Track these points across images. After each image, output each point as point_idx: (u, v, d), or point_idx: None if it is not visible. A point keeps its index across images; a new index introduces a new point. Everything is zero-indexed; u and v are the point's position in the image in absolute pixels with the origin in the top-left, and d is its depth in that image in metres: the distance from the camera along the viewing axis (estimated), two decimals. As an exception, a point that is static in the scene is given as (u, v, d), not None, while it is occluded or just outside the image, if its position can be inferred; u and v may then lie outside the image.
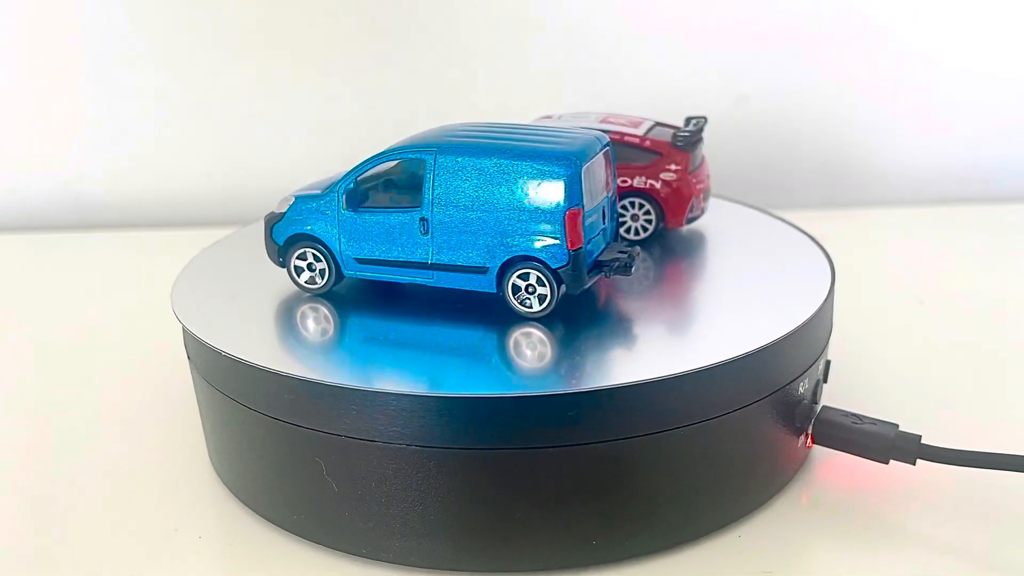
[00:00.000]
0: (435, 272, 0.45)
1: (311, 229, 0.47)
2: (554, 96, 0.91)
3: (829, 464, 0.48)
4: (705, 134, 0.56)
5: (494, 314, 0.45)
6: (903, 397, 0.54)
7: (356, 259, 0.47)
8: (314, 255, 0.47)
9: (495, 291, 0.44)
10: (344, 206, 0.46)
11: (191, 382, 0.49)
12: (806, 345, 0.45)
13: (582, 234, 0.43)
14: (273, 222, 0.48)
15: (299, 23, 0.90)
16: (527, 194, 0.43)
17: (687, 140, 0.53)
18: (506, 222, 0.43)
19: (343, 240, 0.46)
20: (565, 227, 0.43)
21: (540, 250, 0.43)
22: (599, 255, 0.45)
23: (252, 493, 0.45)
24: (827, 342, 0.48)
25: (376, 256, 0.46)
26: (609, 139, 0.52)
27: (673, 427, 0.40)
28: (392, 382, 0.39)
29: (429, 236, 0.45)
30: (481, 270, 0.44)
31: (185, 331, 0.47)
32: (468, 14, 0.89)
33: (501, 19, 0.90)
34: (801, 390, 0.45)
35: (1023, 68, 0.92)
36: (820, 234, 0.55)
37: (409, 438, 0.39)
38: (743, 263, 0.53)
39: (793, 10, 0.89)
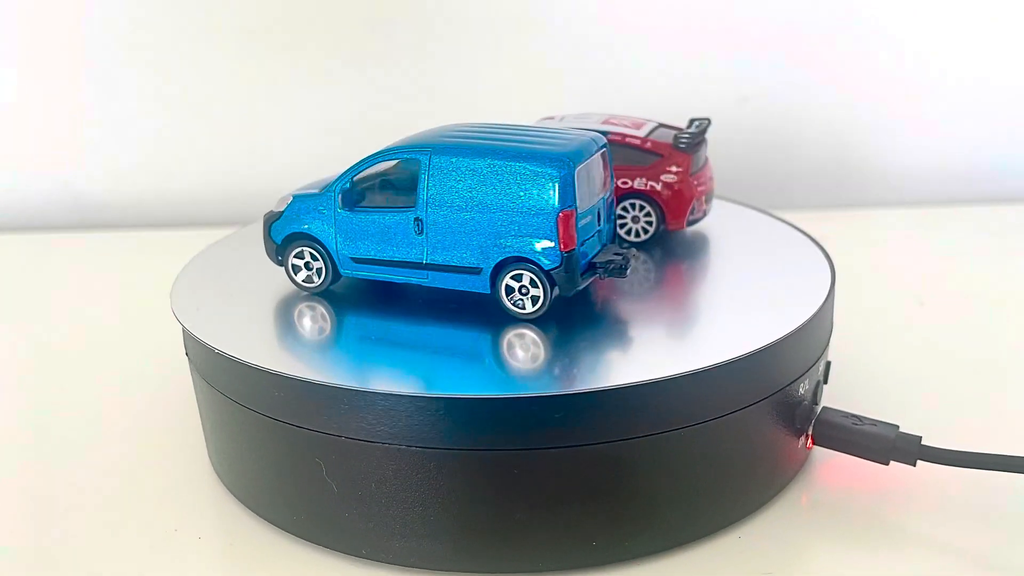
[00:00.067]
0: (430, 272, 0.45)
1: (308, 228, 0.47)
2: (555, 97, 0.91)
3: (829, 465, 0.48)
4: (707, 135, 0.56)
5: (494, 314, 0.45)
6: (903, 398, 0.54)
7: (352, 258, 0.47)
8: (311, 254, 0.48)
9: (489, 292, 0.44)
10: (340, 205, 0.46)
11: (191, 382, 0.49)
12: (806, 346, 0.45)
13: (575, 236, 0.43)
14: (271, 221, 0.49)
15: (299, 24, 0.90)
16: (520, 195, 0.43)
17: (689, 142, 0.53)
18: (499, 223, 0.43)
19: (339, 239, 0.47)
20: (558, 228, 0.43)
21: (533, 251, 0.43)
22: (594, 257, 0.45)
23: (252, 494, 0.45)
24: (827, 343, 0.48)
25: (372, 256, 0.46)
26: (610, 140, 0.53)
27: (673, 428, 0.40)
28: (392, 383, 0.39)
29: (424, 236, 0.45)
30: (475, 271, 0.44)
31: (185, 331, 0.47)
32: (469, 15, 0.89)
33: (502, 20, 0.90)
34: (801, 391, 0.45)
35: (1023, 69, 0.92)
36: (820, 235, 0.55)
37: (409, 439, 0.39)
38: (743, 264, 0.53)
39: (794, 11, 0.89)
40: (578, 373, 0.40)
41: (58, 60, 0.91)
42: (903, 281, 0.73)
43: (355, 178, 0.47)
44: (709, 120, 0.55)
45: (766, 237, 0.56)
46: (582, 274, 0.44)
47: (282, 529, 0.44)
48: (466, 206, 0.44)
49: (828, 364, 0.49)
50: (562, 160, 0.43)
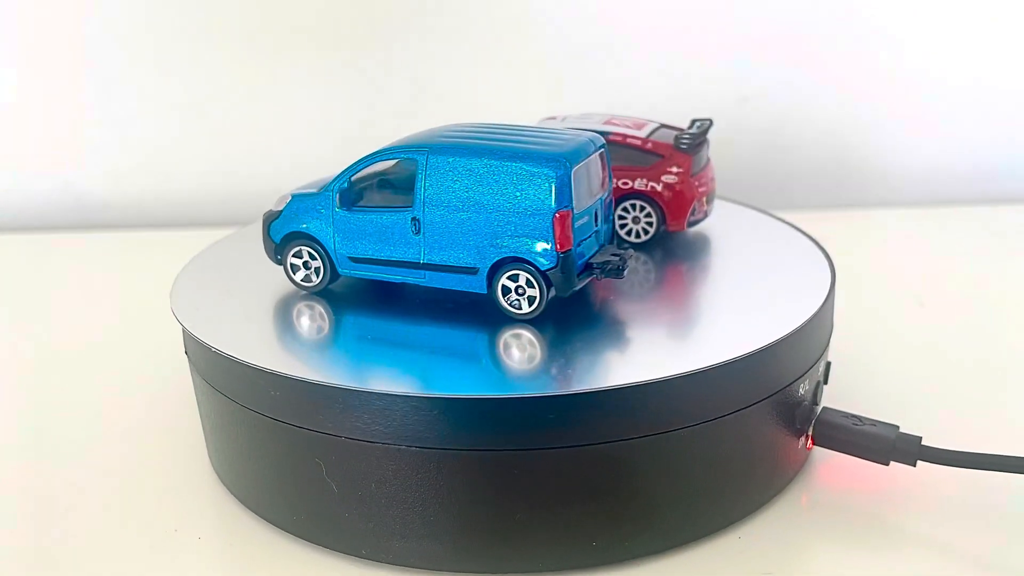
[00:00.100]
0: (427, 272, 0.45)
1: (306, 227, 0.47)
2: (555, 98, 0.91)
3: (829, 465, 0.48)
4: (709, 136, 0.56)
5: (494, 314, 0.45)
6: (903, 398, 0.54)
7: (350, 258, 0.47)
8: (309, 253, 0.48)
9: (485, 292, 0.44)
10: (338, 205, 0.47)
11: (191, 382, 0.49)
12: (806, 346, 0.45)
13: (571, 236, 0.43)
14: (270, 220, 0.49)
15: (300, 24, 0.90)
16: (516, 195, 0.43)
17: (689, 143, 0.53)
18: (496, 223, 0.43)
19: (337, 239, 0.47)
20: (554, 229, 0.43)
21: (529, 252, 0.43)
22: (591, 257, 0.45)
23: (252, 494, 0.45)
24: (827, 343, 0.48)
25: (369, 255, 0.46)
26: (611, 141, 0.53)
27: (674, 428, 0.40)
28: (393, 383, 0.39)
29: (421, 236, 0.45)
30: (471, 271, 0.44)
31: (185, 331, 0.47)
32: (470, 15, 0.89)
33: (502, 20, 0.90)
34: (801, 391, 0.45)
35: (1023, 69, 0.92)
36: (820, 235, 0.55)
37: (409, 439, 0.39)
38: (743, 264, 0.53)
39: (794, 12, 0.89)
40: (578, 373, 0.40)
41: (59, 60, 0.91)
42: (903, 281, 0.73)
43: (353, 178, 0.47)
44: (711, 121, 0.55)
45: (766, 237, 0.56)
46: (579, 274, 0.44)
47: (282, 529, 0.44)
48: (463, 206, 0.44)
49: (828, 364, 0.49)
50: (558, 160, 0.43)
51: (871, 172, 0.94)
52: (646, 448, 0.40)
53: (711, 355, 0.40)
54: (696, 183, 0.53)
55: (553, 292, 0.44)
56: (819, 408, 0.47)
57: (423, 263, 0.45)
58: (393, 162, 0.47)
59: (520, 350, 0.42)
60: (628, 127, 0.55)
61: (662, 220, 0.53)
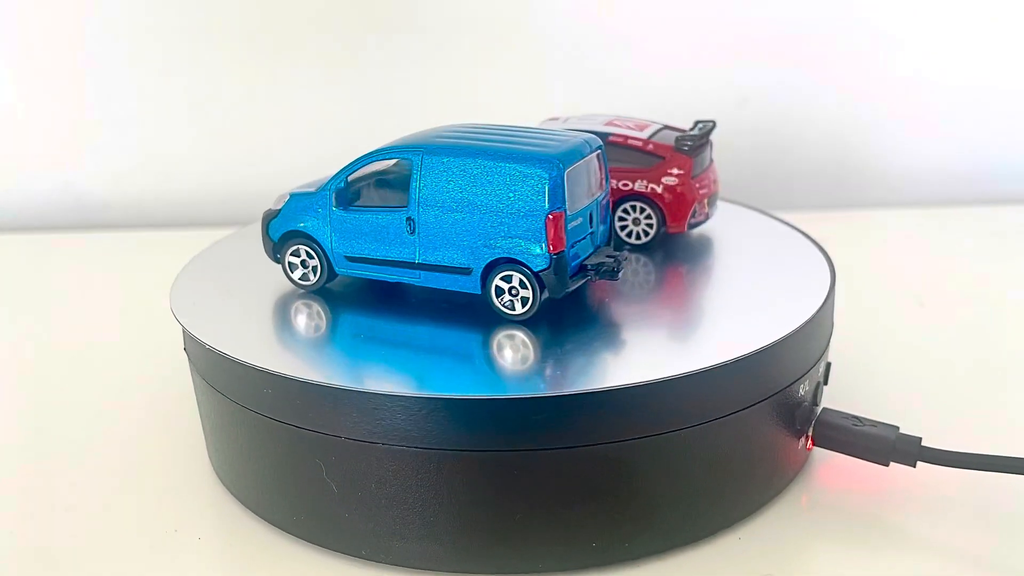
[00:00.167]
0: (422, 272, 0.45)
1: (304, 226, 0.48)
2: (555, 99, 0.91)
3: (829, 466, 0.48)
4: (712, 137, 0.56)
5: (493, 314, 0.45)
6: (903, 399, 0.54)
7: (346, 257, 0.47)
8: (307, 252, 0.48)
9: (479, 293, 0.44)
10: (334, 204, 0.47)
11: (191, 382, 0.49)
12: (806, 347, 0.45)
13: (564, 238, 0.43)
14: (269, 219, 0.49)
15: (300, 24, 0.90)
16: (509, 196, 0.43)
17: (691, 144, 0.53)
18: (489, 224, 0.43)
19: (334, 238, 0.47)
20: (547, 230, 0.43)
21: (522, 252, 0.43)
22: (586, 259, 0.45)
23: (252, 494, 0.45)
24: (827, 344, 0.48)
25: (365, 254, 0.46)
26: (612, 142, 0.53)
27: (674, 429, 0.40)
28: (393, 384, 0.39)
29: (416, 236, 0.45)
30: (465, 271, 0.44)
31: (184, 331, 0.47)
32: (469, 15, 0.89)
33: (502, 21, 0.90)
34: (801, 392, 0.45)
35: (1023, 70, 0.92)
36: (820, 235, 0.55)
37: (409, 440, 0.39)
38: (743, 264, 0.53)
39: (794, 13, 0.89)
40: (578, 374, 0.40)
41: (59, 61, 0.91)
42: (903, 282, 0.73)
43: (349, 178, 0.47)
44: (714, 122, 0.55)
45: (766, 238, 0.56)
46: (572, 276, 0.44)
47: (282, 529, 0.44)
48: (457, 206, 0.44)
49: (828, 365, 0.49)
50: (552, 162, 0.43)
51: (871, 172, 0.94)
52: (646, 449, 0.40)
53: (711, 355, 0.40)
54: (697, 185, 0.53)
55: (546, 293, 0.44)
56: (819, 409, 0.47)
57: (418, 263, 0.45)
58: (390, 162, 0.47)
59: (520, 351, 0.42)
60: (630, 128, 0.54)
61: (662, 222, 0.53)
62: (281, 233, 0.48)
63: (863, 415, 0.46)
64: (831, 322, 0.49)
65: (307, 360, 0.43)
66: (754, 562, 0.42)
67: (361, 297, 0.48)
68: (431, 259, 0.45)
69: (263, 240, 0.49)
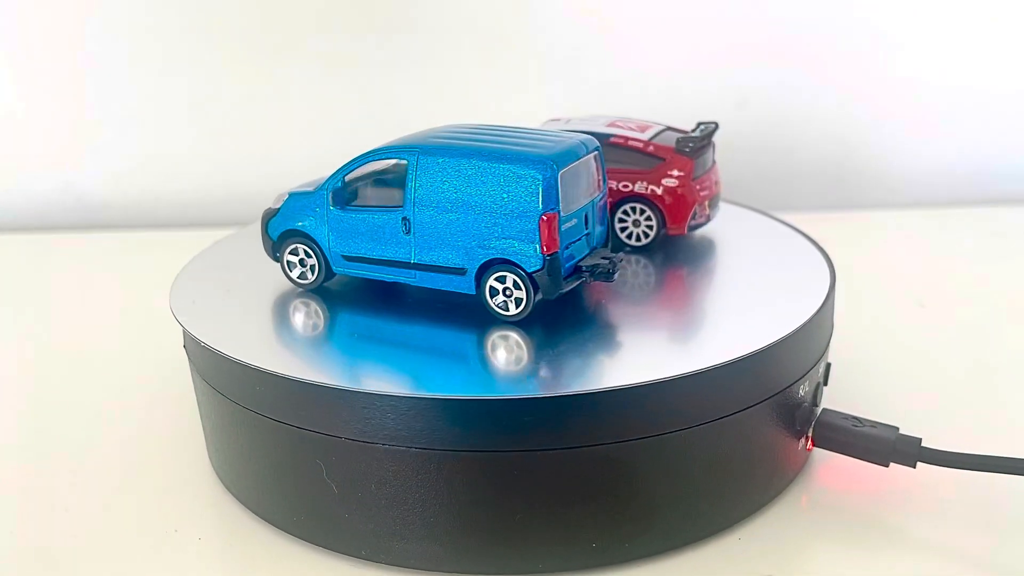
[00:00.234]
0: (417, 272, 0.45)
1: (302, 225, 0.48)
2: (556, 99, 0.91)
3: (829, 467, 0.48)
4: (714, 139, 0.56)
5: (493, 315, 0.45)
6: (903, 400, 0.54)
7: (344, 256, 0.47)
8: (305, 251, 0.48)
9: (474, 293, 0.44)
10: (331, 204, 0.47)
11: (191, 382, 0.49)
12: (806, 347, 0.45)
13: (558, 239, 0.43)
14: (268, 218, 0.49)
15: (300, 24, 0.90)
16: (503, 197, 0.43)
17: (692, 146, 0.53)
18: (484, 224, 0.43)
19: (331, 237, 0.47)
20: (540, 231, 0.43)
21: (516, 253, 0.43)
22: (580, 260, 0.45)
23: (252, 495, 0.45)
24: (827, 344, 0.48)
25: (362, 254, 0.47)
26: (613, 143, 0.53)
27: (674, 429, 0.40)
28: (393, 384, 0.39)
29: (411, 236, 0.45)
30: (460, 271, 0.44)
31: (185, 332, 0.47)
32: (471, 17, 0.89)
33: (502, 22, 0.90)
34: (801, 393, 0.45)
35: (1022, 70, 0.92)
36: (820, 236, 0.55)
37: (409, 440, 0.39)
38: (743, 265, 0.53)
39: (793, 14, 0.89)
40: (578, 375, 0.40)
41: (59, 61, 0.91)
42: (903, 283, 0.73)
43: (346, 177, 0.47)
44: (716, 124, 0.55)
45: (766, 238, 0.56)
46: (567, 277, 0.44)
47: (282, 530, 0.44)
48: (452, 207, 0.44)
49: (828, 366, 0.49)
50: (545, 163, 0.43)
51: (871, 173, 0.94)
52: (646, 449, 0.40)
53: (711, 356, 0.40)
54: (698, 187, 0.53)
55: (540, 295, 0.44)
56: (819, 409, 0.47)
57: (413, 263, 0.45)
58: (389, 162, 0.47)
59: (518, 351, 0.42)
60: (632, 129, 0.54)
61: (662, 223, 0.53)
62: (280, 232, 0.49)
63: (863, 416, 0.46)
64: (831, 323, 0.49)
65: (308, 360, 0.43)
66: (754, 562, 0.42)
67: (361, 296, 0.48)
68: (426, 259, 0.45)
69: (263, 239, 0.50)
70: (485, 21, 0.90)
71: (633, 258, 0.53)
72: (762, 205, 0.63)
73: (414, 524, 0.40)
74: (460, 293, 0.45)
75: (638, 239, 0.54)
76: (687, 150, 0.53)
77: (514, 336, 0.43)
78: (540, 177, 0.42)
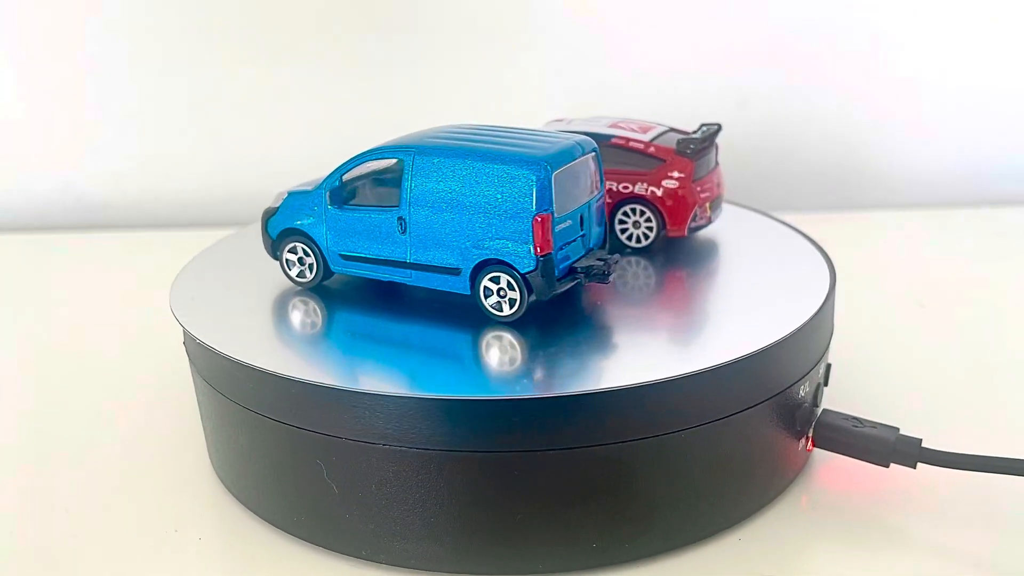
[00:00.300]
0: (413, 271, 0.45)
1: (300, 224, 0.48)
2: (556, 100, 0.91)
3: (829, 467, 0.48)
4: (717, 140, 0.55)
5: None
6: (904, 400, 0.54)
7: (341, 255, 0.47)
8: (303, 250, 0.48)
9: (468, 293, 0.44)
10: (329, 203, 0.47)
11: (191, 383, 0.49)
12: (807, 348, 0.45)
13: (551, 239, 0.43)
14: (268, 216, 0.49)
15: (300, 24, 0.90)
16: (497, 197, 0.43)
17: (693, 147, 0.53)
18: (478, 224, 0.44)
19: (329, 236, 0.47)
20: (534, 232, 0.43)
21: (509, 254, 0.43)
22: (575, 261, 0.45)
23: (252, 495, 0.45)
24: (828, 345, 0.48)
25: (359, 253, 0.47)
26: (613, 144, 0.52)
27: (674, 430, 0.40)
28: (394, 384, 0.39)
29: (407, 235, 0.45)
30: (454, 271, 0.44)
31: (185, 332, 0.47)
32: (471, 17, 0.89)
33: (503, 23, 0.90)
34: (802, 393, 0.45)
35: (1022, 71, 0.92)
36: (820, 237, 0.55)
37: (410, 441, 0.39)
38: (743, 266, 0.53)
39: (793, 15, 0.89)
40: (578, 375, 0.40)
41: (59, 61, 0.91)
42: (903, 283, 0.73)
43: (344, 177, 0.48)
44: (719, 126, 0.55)
45: (766, 239, 0.56)
46: (561, 278, 0.44)
47: (282, 530, 0.44)
48: (447, 207, 0.44)
49: (828, 366, 0.49)
50: (539, 163, 0.43)
51: (871, 174, 0.94)
52: (646, 450, 0.40)
53: (711, 356, 0.40)
54: (699, 188, 0.53)
55: (534, 296, 0.43)
56: (819, 410, 0.47)
57: (409, 262, 0.45)
58: (390, 161, 0.47)
59: (517, 352, 0.42)
60: (633, 131, 0.54)
61: (662, 225, 0.53)
62: (279, 231, 0.49)
63: (863, 416, 0.46)
64: (831, 323, 0.49)
65: (309, 361, 0.43)
66: (754, 563, 0.42)
67: (361, 296, 0.48)
68: (422, 259, 0.45)
69: (263, 237, 0.50)
70: (485, 21, 0.90)
71: (633, 259, 0.53)
72: (762, 205, 0.63)
73: (414, 524, 0.40)
74: (457, 293, 0.45)
75: (638, 240, 0.54)
76: (688, 152, 0.52)
77: (516, 337, 0.43)
78: (534, 178, 0.42)
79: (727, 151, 0.57)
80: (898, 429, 0.45)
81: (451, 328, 0.44)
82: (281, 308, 0.48)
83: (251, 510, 0.46)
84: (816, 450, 0.47)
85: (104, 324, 0.70)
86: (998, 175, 0.94)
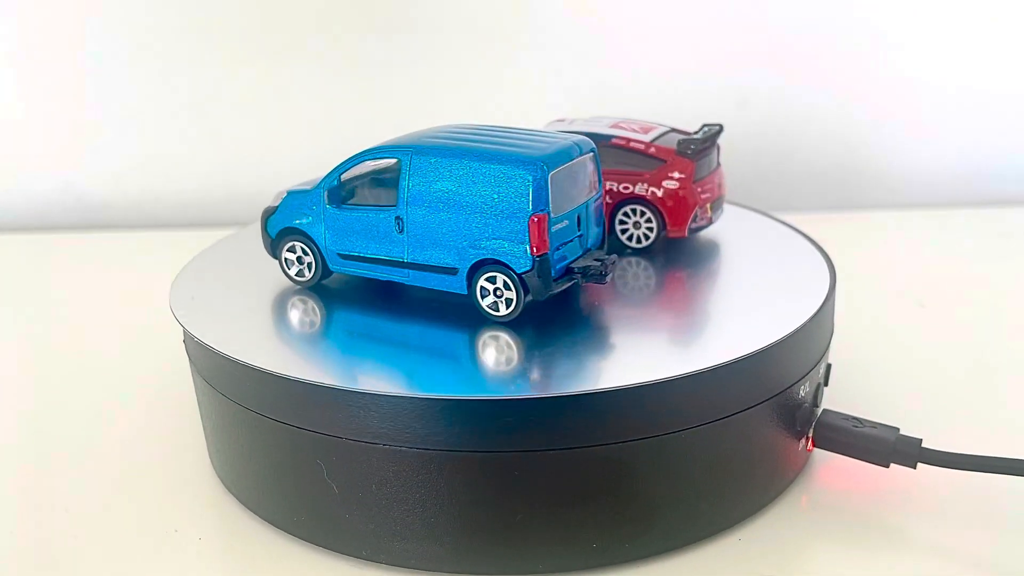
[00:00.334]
0: (410, 271, 0.46)
1: (299, 224, 0.48)
2: (556, 101, 0.91)
3: (830, 467, 0.48)
4: (719, 141, 0.55)
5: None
6: (904, 401, 0.54)
7: (339, 254, 0.47)
8: (302, 249, 0.48)
9: (465, 293, 0.44)
10: (327, 202, 0.47)
11: (191, 383, 0.49)
12: (807, 348, 0.45)
13: (547, 240, 0.43)
14: (267, 215, 0.50)
15: (300, 24, 0.90)
16: (494, 197, 0.43)
17: (694, 148, 0.53)
18: (475, 224, 0.44)
19: (327, 235, 0.47)
20: (530, 232, 0.43)
21: (505, 254, 0.43)
22: (572, 261, 0.45)
23: (252, 495, 0.45)
24: (828, 345, 0.48)
25: (357, 252, 0.47)
26: (614, 144, 0.52)
27: (674, 430, 0.40)
28: (394, 385, 0.39)
29: (404, 235, 0.45)
30: (452, 271, 0.44)
31: (185, 332, 0.47)
32: (471, 17, 0.89)
33: (504, 23, 0.90)
34: (802, 393, 0.45)
35: (1022, 71, 0.92)
36: (820, 237, 0.55)
37: (410, 441, 0.39)
38: (743, 266, 0.53)
39: (793, 15, 0.89)
40: (578, 375, 0.40)
41: (59, 61, 0.91)
42: (903, 283, 0.73)
43: (343, 176, 0.48)
44: (720, 126, 0.55)
45: (766, 239, 0.56)
46: (557, 279, 0.44)
47: (282, 530, 0.44)
48: (444, 207, 0.44)
49: (828, 366, 0.49)
50: (535, 163, 0.43)
51: (871, 174, 0.94)
52: (646, 450, 0.40)
53: (712, 356, 0.40)
54: (699, 189, 0.53)
55: (530, 296, 0.43)
56: (819, 410, 0.47)
57: (407, 262, 0.45)
58: (390, 161, 0.47)
59: (519, 352, 0.42)
60: (635, 131, 0.54)
61: (662, 226, 0.53)
62: (278, 230, 0.49)
63: (863, 416, 0.46)
64: (831, 323, 0.49)
65: (309, 361, 0.43)
66: (754, 563, 0.42)
67: (362, 296, 0.48)
68: (419, 258, 0.45)
69: (262, 236, 0.50)
70: (485, 21, 0.90)
71: (633, 259, 0.53)
72: (762, 205, 0.63)
73: (414, 524, 0.40)
74: (455, 292, 0.45)
75: (638, 241, 0.54)
76: (688, 152, 0.52)
77: (514, 337, 0.43)
78: (530, 178, 0.42)
79: (727, 151, 0.57)
80: (898, 429, 0.45)
81: (451, 328, 0.44)
82: (281, 308, 0.48)
83: (251, 510, 0.46)
84: (816, 450, 0.47)
85: (104, 324, 0.70)
86: (998, 175, 0.94)
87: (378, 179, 0.48)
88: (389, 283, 0.47)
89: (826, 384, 0.48)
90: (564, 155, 0.44)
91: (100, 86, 0.92)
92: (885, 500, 0.45)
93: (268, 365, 0.41)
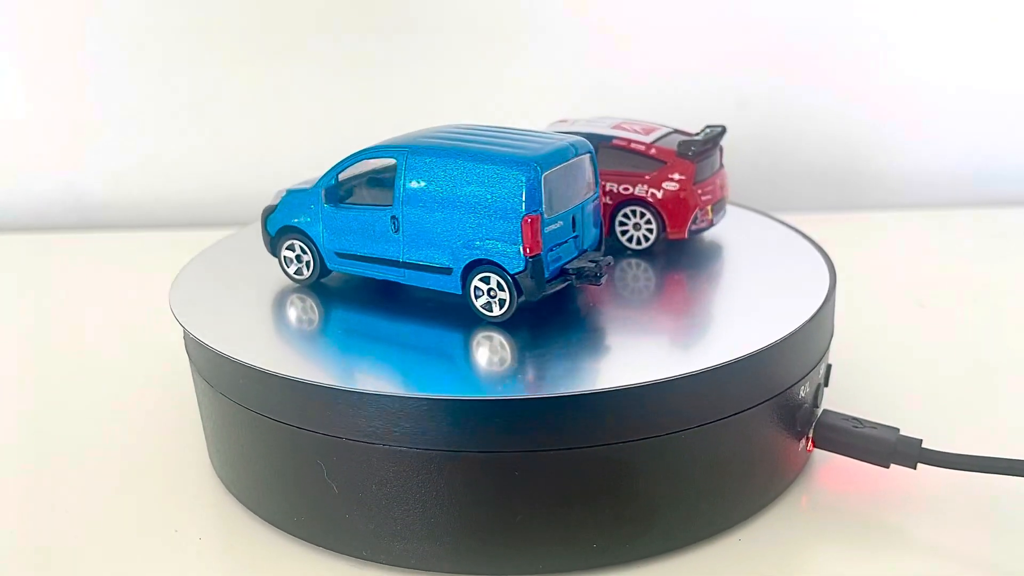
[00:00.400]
0: (406, 270, 0.46)
1: (298, 222, 0.48)
2: (556, 101, 0.91)
3: (830, 468, 0.48)
4: (722, 143, 0.55)
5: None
6: (904, 401, 0.54)
7: (337, 253, 0.47)
8: (301, 247, 0.49)
9: (460, 293, 0.44)
10: (324, 201, 0.47)
11: (191, 383, 0.49)
12: (807, 348, 0.45)
13: (541, 240, 0.43)
14: (267, 214, 0.50)
15: (300, 24, 0.90)
16: (487, 197, 0.43)
17: (694, 149, 0.52)
18: (469, 224, 0.44)
19: (325, 234, 0.48)
20: (523, 232, 0.43)
21: (499, 254, 0.43)
22: (567, 263, 0.45)
23: (253, 495, 0.45)
24: (828, 346, 0.48)
25: (354, 251, 0.47)
26: (614, 146, 0.52)
27: (674, 430, 0.40)
28: (394, 385, 0.39)
29: (400, 234, 0.45)
30: (446, 271, 0.44)
31: (185, 332, 0.47)
32: (472, 17, 0.89)
33: (505, 24, 0.90)
34: (802, 394, 0.45)
35: (1022, 72, 0.92)
36: (820, 237, 0.55)
37: (410, 440, 0.39)
38: (743, 266, 0.53)
39: (793, 15, 0.89)
40: (579, 375, 0.40)
41: (59, 61, 0.91)
42: (903, 284, 0.73)
43: (341, 176, 0.48)
44: (723, 128, 0.54)
45: (766, 239, 0.56)
46: (551, 280, 0.44)
47: (282, 530, 0.44)
48: (438, 206, 0.44)
49: (829, 367, 0.49)
50: (529, 164, 0.43)
51: (871, 174, 0.94)
52: (647, 450, 0.40)
53: (712, 357, 0.40)
54: (700, 191, 0.53)
55: (523, 296, 0.43)
56: (819, 410, 0.47)
57: (402, 261, 0.45)
58: (389, 161, 0.47)
59: (515, 352, 0.42)
60: (636, 132, 0.54)
61: (662, 227, 0.53)
62: (277, 228, 0.49)
63: (864, 417, 0.46)
64: (831, 324, 0.49)
65: (309, 361, 0.43)
66: (754, 564, 0.42)
67: (362, 295, 0.48)
68: (414, 258, 0.45)
69: (262, 234, 0.50)
70: (485, 21, 0.90)
71: (633, 261, 0.53)
72: (762, 206, 0.63)
73: (415, 524, 0.40)
74: (450, 292, 0.45)
75: (638, 242, 0.54)
76: (689, 154, 0.52)
77: (509, 338, 0.43)
78: (523, 178, 0.42)
79: (729, 152, 0.57)
80: (898, 430, 0.45)
81: (451, 328, 0.44)
82: (281, 308, 0.48)
83: (251, 510, 0.46)
84: (816, 450, 0.47)
85: (104, 324, 0.70)
86: (998, 175, 0.94)
87: (375, 179, 0.49)
88: (387, 282, 0.47)
89: (826, 384, 0.48)
90: (559, 156, 0.44)
91: (100, 86, 0.92)
92: (885, 500, 0.45)
93: (268, 365, 0.41)
